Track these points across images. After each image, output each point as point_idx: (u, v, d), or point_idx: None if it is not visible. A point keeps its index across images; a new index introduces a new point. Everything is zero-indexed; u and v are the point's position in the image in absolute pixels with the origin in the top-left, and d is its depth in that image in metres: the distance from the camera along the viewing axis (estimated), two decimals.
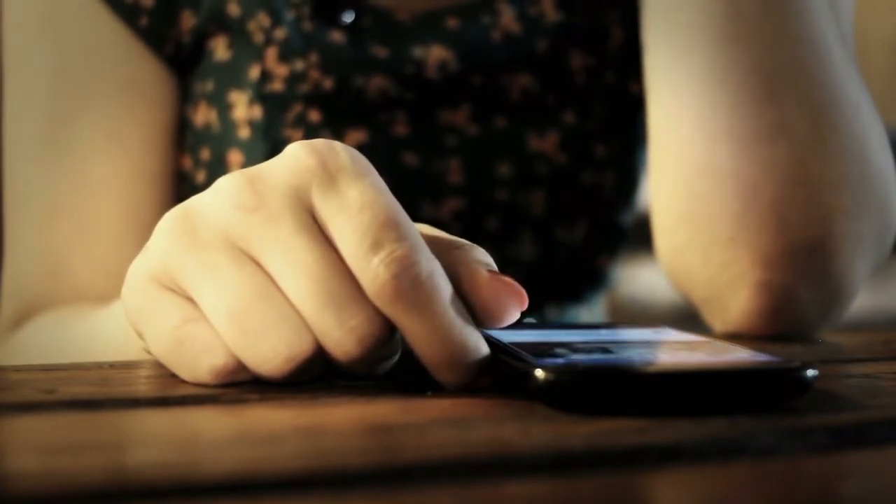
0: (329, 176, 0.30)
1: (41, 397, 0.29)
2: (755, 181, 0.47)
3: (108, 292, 0.52)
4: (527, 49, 0.56)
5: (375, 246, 0.29)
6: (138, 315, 0.32)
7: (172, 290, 0.31)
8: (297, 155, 0.31)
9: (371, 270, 0.29)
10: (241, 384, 0.31)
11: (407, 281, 0.28)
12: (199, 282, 0.30)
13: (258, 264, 0.30)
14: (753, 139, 0.47)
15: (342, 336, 0.29)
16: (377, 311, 0.29)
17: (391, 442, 0.25)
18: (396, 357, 0.32)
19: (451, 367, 0.30)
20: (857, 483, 0.22)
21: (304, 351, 0.29)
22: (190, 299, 0.31)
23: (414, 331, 0.29)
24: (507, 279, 0.31)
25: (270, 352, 0.29)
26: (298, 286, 0.29)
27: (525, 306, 0.32)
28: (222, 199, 0.31)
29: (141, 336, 0.32)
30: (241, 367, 0.30)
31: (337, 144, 0.31)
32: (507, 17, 0.56)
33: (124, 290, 0.33)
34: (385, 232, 0.29)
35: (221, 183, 0.31)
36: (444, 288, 0.29)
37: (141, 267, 0.32)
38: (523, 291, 0.31)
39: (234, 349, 0.30)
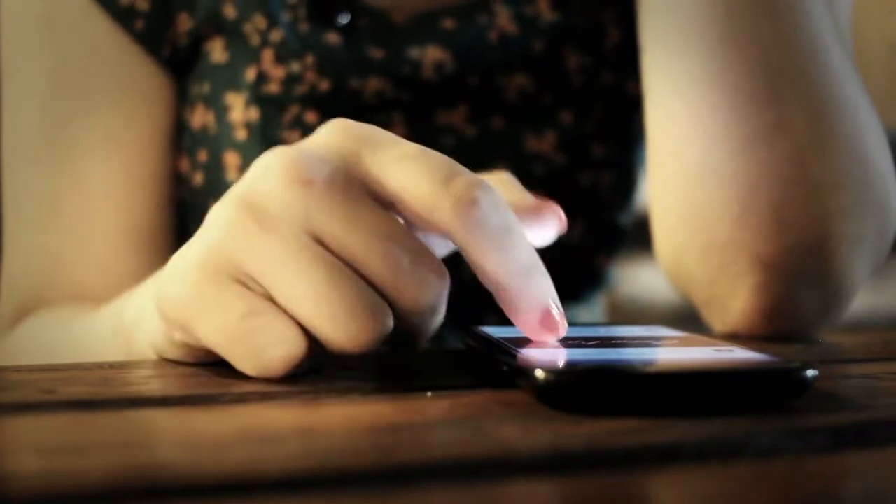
0: (375, 140, 0.31)
1: (41, 397, 0.29)
2: (754, 182, 0.47)
3: (104, 292, 0.52)
4: (523, 49, 0.56)
5: (451, 176, 0.30)
6: (190, 305, 0.31)
7: (235, 280, 0.31)
8: (337, 127, 0.32)
9: (451, 196, 0.30)
10: (241, 384, 0.31)
11: (488, 201, 0.30)
12: (274, 269, 0.30)
13: (325, 241, 0.30)
14: (752, 139, 0.47)
15: (417, 286, 0.30)
16: (439, 261, 0.31)
17: (391, 442, 0.25)
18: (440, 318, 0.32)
19: (528, 279, 0.31)
20: (857, 483, 0.22)
21: (388, 325, 0.30)
22: (252, 288, 0.30)
23: (488, 253, 0.30)
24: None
25: (359, 331, 0.30)
26: (372, 255, 0.30)
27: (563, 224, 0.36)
28: (276, 178, 0.31)
29: (184, 327, 0.32)
30: (307, 353, 0.30)
31: (366, 125, 0.32)
32: (504, 18, 0.56)
33: (166, 280, 0.32)
34: (453, 165, 0.31)
35: (268, 163, 0.31)
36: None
37: (192, 256, 0.31)
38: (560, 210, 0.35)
39: (321, 332, 0.30)
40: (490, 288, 0.31)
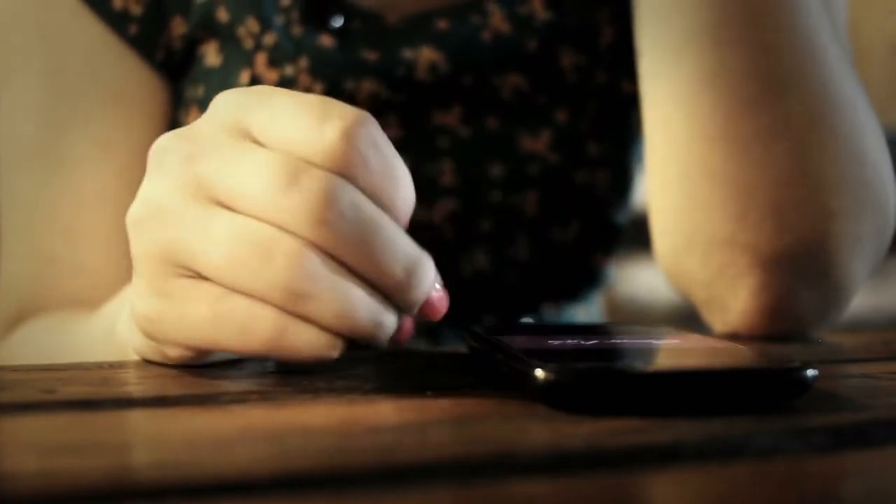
0: (257, 99, 0.32)
1: (41, 397, 0.29)
2: (752, 182, 0.47)
3: (100, 297, 0.52)
4: (517, 49, 0.56)
5: (324, 117, 0.30)
6: (165, 318, 0.32)
7: (184, 277, 0.31)
8: (222, 97, 0.32)
9: (326, 139, 0.30)
10: (241, 384, 0.31)
11: (367, 141, 0.31)
12: (192, 249, 0.30)
13: (224, 202, 0.30)
14: (750, 140, 0.47)
15: (304, 202, 0.29)
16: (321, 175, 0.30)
17: (391, 442, 0.25)
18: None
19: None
20: (857, 483, 0.22)
21: (300, 250, 0.29)
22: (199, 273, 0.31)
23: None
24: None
25: (276, 267, 0.29)
26: (255, 187, 0.30)
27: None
28: (164, 162, 0.32)
29: (168, 341, 0.32)
30: (287, 319, 0.30)
31: (254, 88, 0.33)
32: (497, 17, 0.56)
33: (136, 302, 0.33)
34: (325, 104, 0.31)
35: (155, 149, 0.32)
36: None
37: (139, 274, 0.32)
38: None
39: (252, 287, 0.30)
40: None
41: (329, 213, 0.29)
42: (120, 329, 0.39)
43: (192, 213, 0.31)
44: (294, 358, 0.30)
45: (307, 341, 0.30)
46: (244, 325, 0.30)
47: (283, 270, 0.29)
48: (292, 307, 0.30)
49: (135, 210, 0.32)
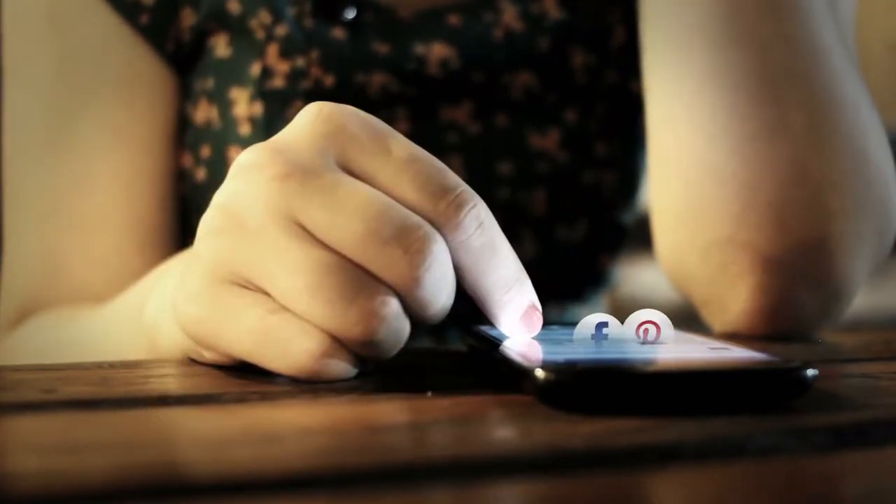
0: (360, 139, 0.31)
1: (41, 397, 0.29)
2: (754, 181, 0.47)
3: (106, 291, 0.52)
4: (528, 47, 0.56)
5: (439, 193, 0.30)
6: (210, 322, 0.31)
7: (243, 287, 0.31)
8: (317, 116, 0.32)
9: (436, 215, 0.30)
10: (241, 384, 0.31)
11: (472, 223, 0.31)
12: (268, 268, 0.30)
13: (311, 231, 0.30)
14: (752, 139, 0.47)
15: (404, 259, 0.29)
16: (426, 229, 0.30)
17: (391, 442, 0.25)
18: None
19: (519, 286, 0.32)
20: (857, 483, 0.22)
21: (391, 306, 0.30)
22: (264, 290, 0.31)
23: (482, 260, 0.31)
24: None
25: (361, 315, 0.29)
26: (354, 237, 0.29)
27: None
28: (253, 177, 0.31)
29: (210, 346, 0.32)
30: (334, 348, 0.30)
31: (345, 108, 0.32)
32: (509, 15, 0.56)
33: (183, 301, 0.32)
34: (442, 179, 0.31)
35: (244, 163, 0.31)
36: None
37: (197, 275, 0.32)
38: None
39: (323, 323, 0.30)
40: (471, 295, 0.32)
41: (426, 274, 0.30)
42: (150, 318, 0.38)
43: (273, 235, 0.30)
44: (318, 380, 0.31)
45: (343, 370, 0.31)
46: (289, 343, 0.30)
47: (362, 317, 0.29)
48: (353, 346, 0.30)
49: (211, 216, 0.32)
